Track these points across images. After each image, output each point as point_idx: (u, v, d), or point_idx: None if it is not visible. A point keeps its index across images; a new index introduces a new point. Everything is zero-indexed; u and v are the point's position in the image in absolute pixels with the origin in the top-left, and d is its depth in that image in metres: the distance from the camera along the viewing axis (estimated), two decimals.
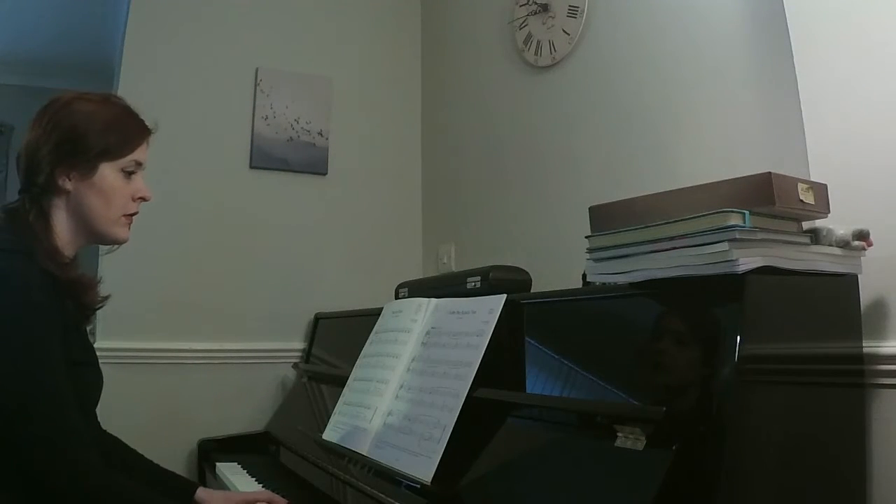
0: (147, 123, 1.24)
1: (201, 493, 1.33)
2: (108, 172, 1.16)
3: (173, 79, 2.25)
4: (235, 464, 1.88)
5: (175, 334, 2.18)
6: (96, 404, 1.24)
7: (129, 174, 1.19)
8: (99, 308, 1.21)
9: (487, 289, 1.48)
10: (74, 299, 1.13)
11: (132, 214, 1.22)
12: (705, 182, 1.03)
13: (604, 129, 1.80)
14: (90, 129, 1.14)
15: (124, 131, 1.18)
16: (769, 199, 0.94)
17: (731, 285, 0.90)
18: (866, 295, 1.07)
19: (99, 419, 1.32)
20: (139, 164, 1.21)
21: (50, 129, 1.13)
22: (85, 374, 1.14)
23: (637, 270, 1.03)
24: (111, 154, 1.16)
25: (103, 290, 1.21)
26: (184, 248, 2.22)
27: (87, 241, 1.20)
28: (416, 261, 2.58)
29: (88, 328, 1.26)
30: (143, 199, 1.22)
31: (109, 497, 1.04)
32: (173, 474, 1.37)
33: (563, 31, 1.92)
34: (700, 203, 0.99)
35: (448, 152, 2.50)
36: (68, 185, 1.14)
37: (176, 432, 2.09)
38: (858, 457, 1.03)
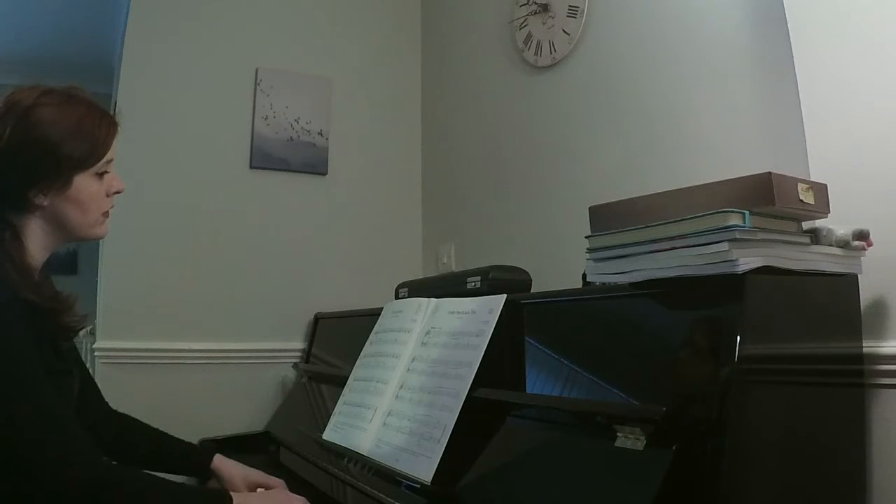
0: (112, 115, 1.18)
1: (217, 462, 1.34)
2: (83, 183, 1.11)
3: (173, 79, 2.25)
4: None
5: (175, 334, 2.18)
6: (83, 405, 1.23)
7: (102, 175, 1.15)
8: (79, 330, 1.16)
9: (487, 289, 1.48)
10: (52, 321, 1.09)
11: (109, 209, 1.18)
12: (705, 182, 1.03)
13: (604, 130, 1.80)
14: (59, 141, 1.08)
15: (93, 135, 1.12)
16: (769, 199, 0.94)
17: (731, 285, 0.90)
18: (866, 295, 1.07)
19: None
20: (110, 160, 1.16)
21: (16, 143, 1.06)
22: (60, 382, 1.11)
23: (637, 270, 1.03)
24: (84, 163, 1.11)
25: (78, 308, 1.15)
26: (184, 248, 2.22)
27: (64, 244, 1.17)
28: (416, 261, 2.58)
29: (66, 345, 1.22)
30: (117, 192, 1.18)
31: (113, 493, 1.02)
32: (190, 446, 1.39)
33: (563, 31, 1.92)
34: (700, 203, 0.99)
35: (448, 152, 2.50)
36: (44, 202, 1.09)
37: (176, 432, 2.07)
38: (858, 457, 1.03)
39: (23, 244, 1.09)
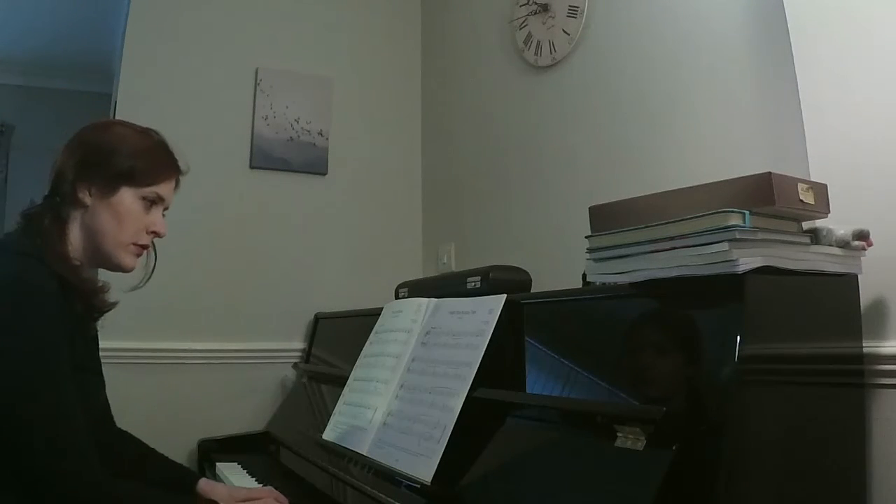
0: (180, 163, 1.25)
1: (203, 484, 1.34)
2: (127, 196, 1.17)
3: (173, 78, 2.25)
4: (235, 464, 1.88)
5: (175, 334, 2.17)
6: (100, 410, 1.25)
7: (148, 205, 1.20)
8: (108, 311, 1.21)
9: (487, 289, 1.48)
10: (83, 302, 1.14)
11: (143, 246, 1.22)
12: (705, 182, 1.03)
13: (604, 129, 1.80)
14: (118, 150, 1.17)
15: (152, 162, 1.20)
16: (769, 199, 0.94)
17: (731, 285, 0.90)
18: (866, 295, 1.07)
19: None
20: (161, 199, 1.21)
21: (84, 143, 1.17)
22: (87, 380, 1.15)
23: (637, 270, 1.02)
24: (133, 179, 1.17)
25: (111, 296, 1.21)
26: (184, 248, 2.21)
27: (94, 260, 1.20)
28: (416, 261, 2.58)
29: (96, 333, 1.26)
30: (156, 233, 1.22)
31: (104, 497, 1.04)
32: (181, 467, 1.40)
33: (563, 31, 1.92)
34: (700, 203, 0.99)
35: (448, 152, 2.50)
36: (87, 199, 1.15)
37: (176, 432, 2.08)
38: (858, 457, 1.03)
39: (64, 231, 1.15)
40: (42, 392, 1.01)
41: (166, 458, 1.40)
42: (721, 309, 0.92)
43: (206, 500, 1.31)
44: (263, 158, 2.36)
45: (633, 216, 1.08)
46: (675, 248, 0.97)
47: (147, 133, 1.23)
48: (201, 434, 2.06)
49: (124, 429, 1.42)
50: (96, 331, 1.26)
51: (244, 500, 1.32)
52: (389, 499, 1.20)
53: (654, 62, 1.65)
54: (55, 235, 1.13)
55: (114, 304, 1.21)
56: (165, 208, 1.24)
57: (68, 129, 1.23)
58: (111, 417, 1.37)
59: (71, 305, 1.10)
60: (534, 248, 1.97)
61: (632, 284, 1.04)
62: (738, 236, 0.90)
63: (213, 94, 2.31)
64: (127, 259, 1.21)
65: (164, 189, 1.21)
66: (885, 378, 1.03)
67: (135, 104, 2.17)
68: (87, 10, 3.38)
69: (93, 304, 1.16)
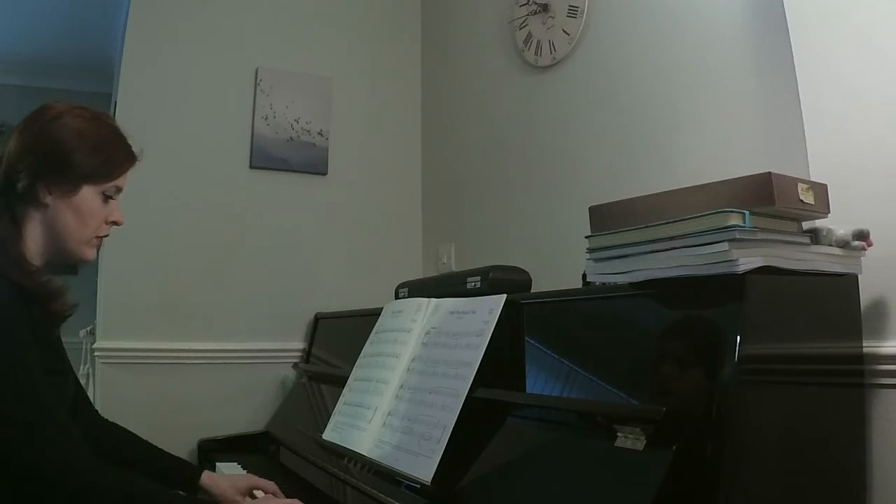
0: (134, 149, 1.22)
1: (206, 478, 1.33)
2: (88, 195, 1.15)
3: (173, 78, 2.25)
4: (235, 464, 1.88)
5: (175, 334, 2.18)
6: (77, 410, 1.23)
7: (107, 198, 1.18)
8: (68, 316, 1.17)
9: (487, 289, 1.48)
10: (41, 307, 1.10)
11: (103, 236, 1.21)
12: (705, 182, 1.03)
13: (604, 129, 1.80)
14: (78, 148, 1.13)
15: (111, 156, 1.17)
16: (769, 199, 0.94)
17: (731, 285, 0.90)
18: (866, 295, 1.07)
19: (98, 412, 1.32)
20: (119, 190, 1.20)
21: (37, 138, 1.12)
22: (56, 383, 1.12)
23: (637, 270, 1.03)
24: (95, 177, 1.15)
25: (73, 297, 1.16)
26: (184, 248, 2.22)
27: (54, 256, 1.17)
28: (416, 261, 2.58)
29: (59, 334, 1.23)
30: (115, 223, 1.21)
31: (105, 493, 1.04)
32: (179, 460, 1.38)
33: (563, 31, 1.92)
34: (700, 203, 0.99)
35: (448, 152, 2.51)
36: (48, 199, 1.12)
37: (176, 432, 2.08)
38: (858, 457, 1.03)
39: (21, 233, 1.12)
40: (27, 401, 1.00)
41: (166, 452, 1.38)
42: (721, 309, 0.92)
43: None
44: (263, 158, 2.36)
45: (633, 216, 1.08)
46: (675, 248, 0.97)
47: (100, 121, 1.19)
48: (201, 434, 2.06)
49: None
50: (59, 332, 1.22)
51: (249, 488, 1.33)
52: (389, 499, 1.20)
53: (654, 62, 1.65)
54: (11, 238, 1.10)
55: (74, 307, 1.16)
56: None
57: None
58: (94, 410, 1.36)
59: (29, 311, 1.06)
60: (534, 248, 1.97)
61: (632, 284, 1.04)
62: (738, 236, 0.90)
63: (213, 94, 2.31)
64: (89, 252, 1.19)
65: (122, 181, 1.20)
66: (885, 378, 1.03)
67: (135, 104, 2.17)
68: (87, 10, 3.37)
69: (52, 310, 1.12)
